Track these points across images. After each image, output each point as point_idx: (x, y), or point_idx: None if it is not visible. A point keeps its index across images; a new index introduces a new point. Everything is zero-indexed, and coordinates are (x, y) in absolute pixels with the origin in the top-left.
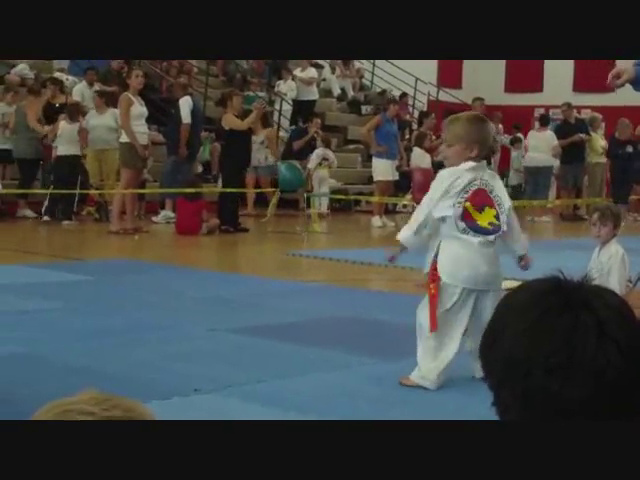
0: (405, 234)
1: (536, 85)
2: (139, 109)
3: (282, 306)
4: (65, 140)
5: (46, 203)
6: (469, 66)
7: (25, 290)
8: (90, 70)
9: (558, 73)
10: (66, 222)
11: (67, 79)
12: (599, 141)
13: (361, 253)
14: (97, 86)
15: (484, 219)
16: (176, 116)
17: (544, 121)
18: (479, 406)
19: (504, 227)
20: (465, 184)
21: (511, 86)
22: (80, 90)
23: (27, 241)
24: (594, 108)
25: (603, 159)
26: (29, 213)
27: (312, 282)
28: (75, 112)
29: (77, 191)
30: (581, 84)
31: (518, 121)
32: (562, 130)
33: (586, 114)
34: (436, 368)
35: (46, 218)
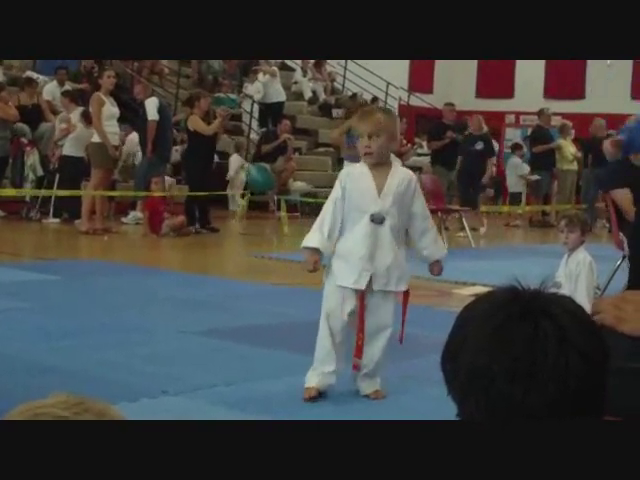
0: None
1: (507, 91)
2: (111, 109)
3: (252, 309)
4: (76, 142)
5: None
6: (441, 71)
7: None
8: (61, 70)
9: (529, 79)
10: (77, 221)
11: (37, 78)
12: (569, 148)
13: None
14: (68, 85)
15: None
16: (144, 117)
17: None
18: (444, 410)
19: None
20: None
21: (482, 92)
22: (51, 90)
23: None
24: (564, 115)
25: (573, 166)
26: None
27: (282, 285)
28: (90, 117)
29: (45, 192)
30: (552, 91)
31: (489, 126)
32: (536, 136)
33: (556, 121)
34: None
35: (54, 220)
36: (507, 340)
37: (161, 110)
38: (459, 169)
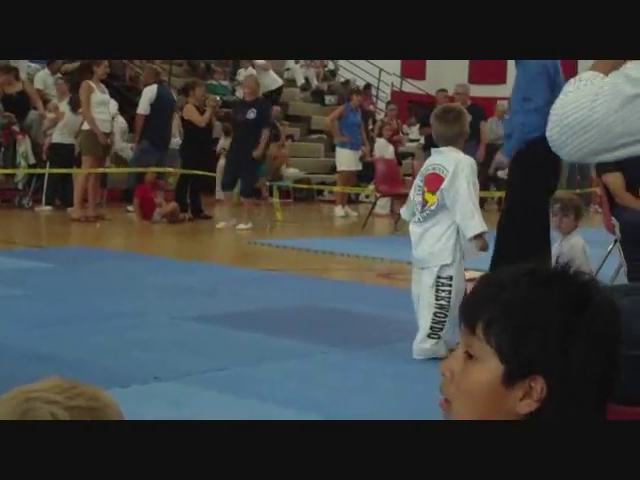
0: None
1: (500, 77)
2: (100, 96)
3: (244, 294)
4: (65, 129)
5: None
6: None
7: None
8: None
9: None
10: (70, 209)
11: (29, 66)
12: None
13: (323, 242)
14: (63, 69)
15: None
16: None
17: None
18: (430, 394)
19: (432, 207)
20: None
21: (475, 77)
22: (42, 78)
23: None
24: None
25: None
26: None
27: (274, 271)
28: (78, 103)
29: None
30: None
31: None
32: None
33: None
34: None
35: (46, 208)
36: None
37: (159, 97)
38: (230, 145)
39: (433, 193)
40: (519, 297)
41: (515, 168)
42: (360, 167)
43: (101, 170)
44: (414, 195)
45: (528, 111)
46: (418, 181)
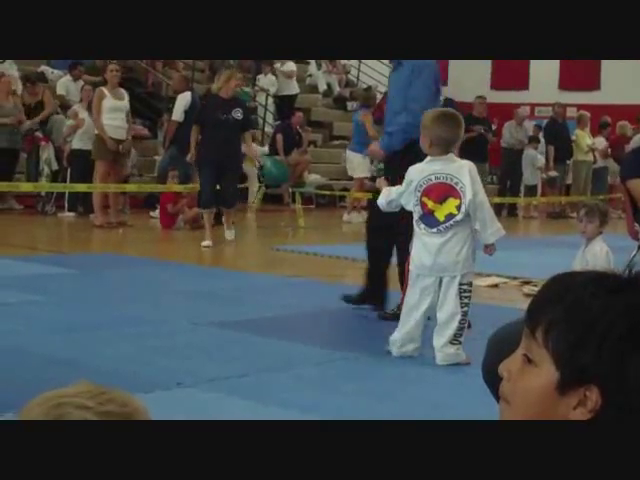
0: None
1: (522, 82)
2: (113, 103)
3: (266, 301)
4: (84, 135)
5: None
6: (455, 62)
7: (6, 283)
8: (77, 65)
9: (544, 71)
10: (92, 215)
11: (52, 72)
12: (585, 139)
13: (345, 248)
14: (83, 79)
15: (442, 211)
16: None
17: None
18: (458, 401)
19: (459, 217)
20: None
21: (497, 83)
22: (64, 84)
23: (9, 233)
24: (580, 106)
25: (589, 157)
26: (15, 205)
27: (296, 277)
28: None
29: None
30: (567, 82)
31: (504, 118)
32: (550, 129)
33: (572, 112)
34: (399, 339)
35: (69, 214)
36: None
37: (192, 106)
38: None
39: (440, 203)
40: (582, 302)
41: (390, 165)
42: (369, 173)
43: (121, 188)
44: (413, 206)
45: (414, 112)
46: (415, 191)
